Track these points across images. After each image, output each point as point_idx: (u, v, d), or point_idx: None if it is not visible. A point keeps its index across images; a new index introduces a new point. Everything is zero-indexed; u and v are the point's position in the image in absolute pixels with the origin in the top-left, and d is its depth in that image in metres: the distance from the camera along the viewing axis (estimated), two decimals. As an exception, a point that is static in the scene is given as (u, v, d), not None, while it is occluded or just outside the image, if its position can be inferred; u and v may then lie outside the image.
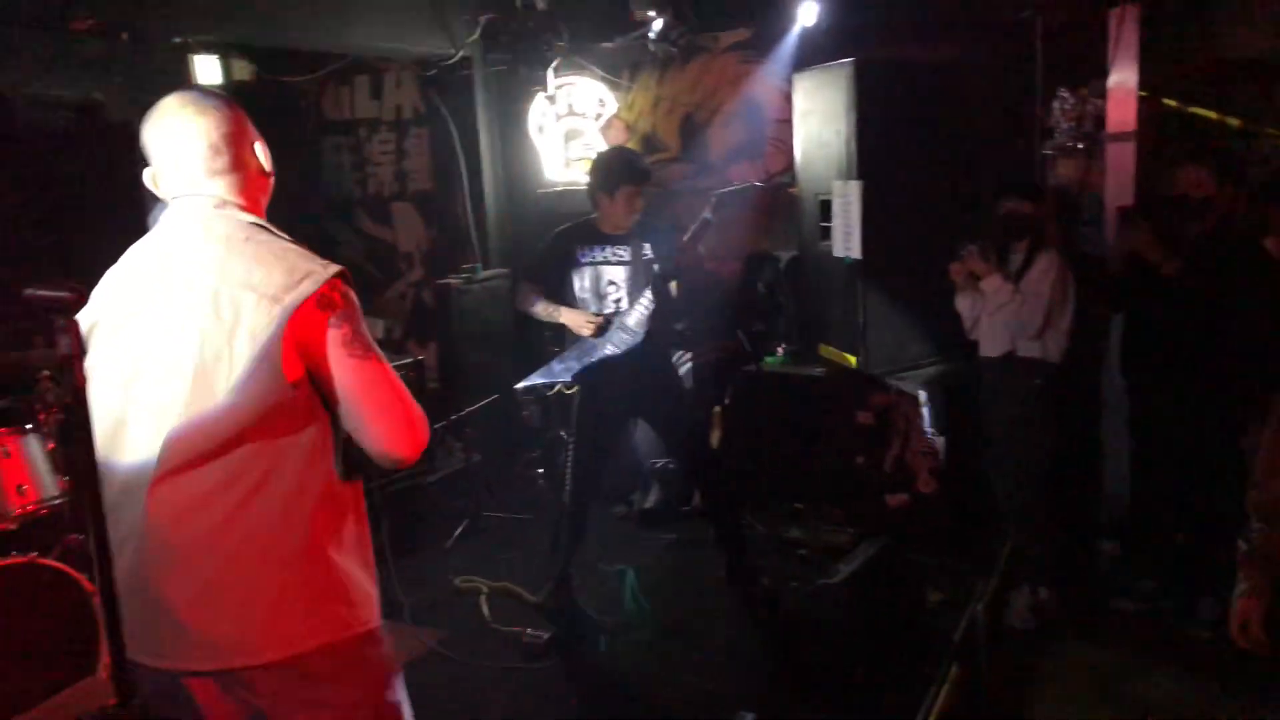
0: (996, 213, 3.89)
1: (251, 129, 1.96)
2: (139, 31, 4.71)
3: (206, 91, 1.99)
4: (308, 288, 1.75)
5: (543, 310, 3.96)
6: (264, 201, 1.98)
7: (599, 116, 5.92)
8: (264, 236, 1.85)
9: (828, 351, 4.76)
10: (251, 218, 1.89)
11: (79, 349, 1.29)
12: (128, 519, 1.76)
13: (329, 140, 6.81)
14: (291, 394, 1.76)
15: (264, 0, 4.85)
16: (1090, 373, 4.27)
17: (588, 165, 6.02)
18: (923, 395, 4.49)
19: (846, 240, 4.37)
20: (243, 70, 6.44)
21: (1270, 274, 3.55)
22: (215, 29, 5.04)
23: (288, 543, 1.79)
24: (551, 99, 5.97)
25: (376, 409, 1.82)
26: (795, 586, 4.29)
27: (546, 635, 3.94)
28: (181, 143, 1.87)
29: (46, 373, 3.84)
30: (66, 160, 4.98)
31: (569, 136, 6.02)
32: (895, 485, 4.60)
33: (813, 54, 4.96)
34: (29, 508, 3.48)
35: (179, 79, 5.79)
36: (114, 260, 1.92)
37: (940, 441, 4.45)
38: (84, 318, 1.82)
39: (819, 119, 4.57)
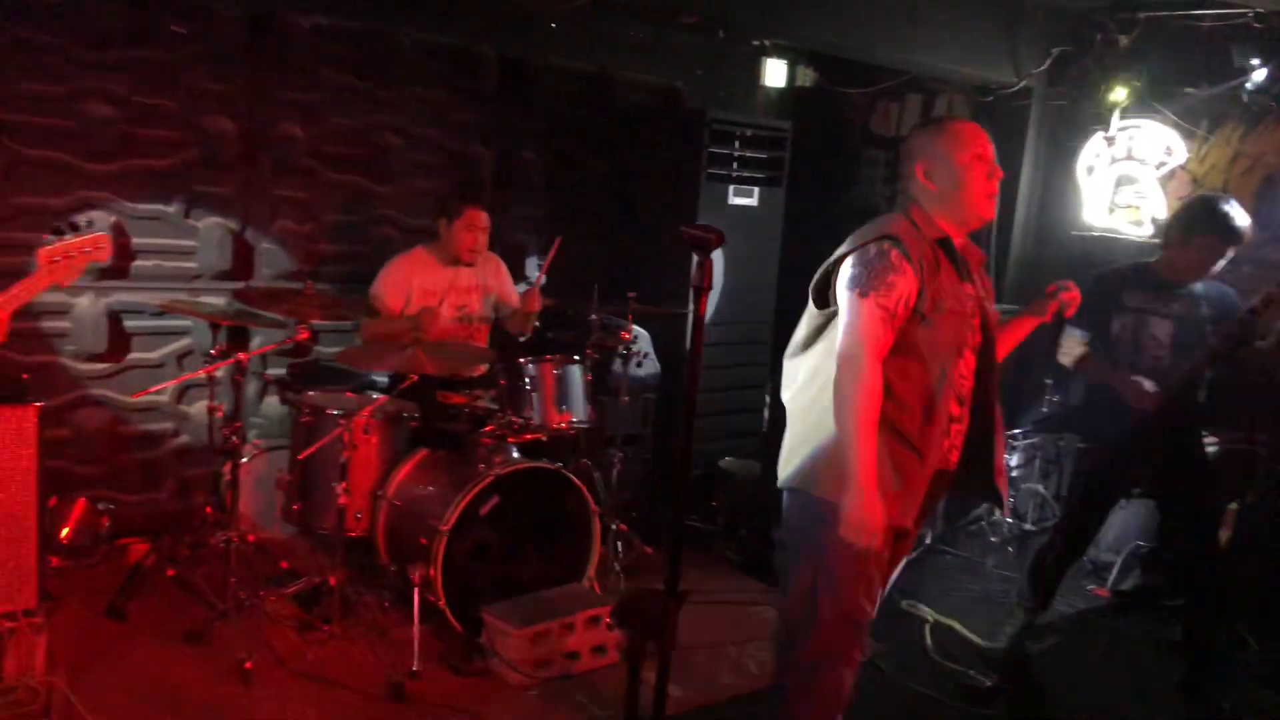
0: None
1: (927, 155, 2.64)
2: (732, 31, 5.17)
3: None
4: (850, 246, 2.55)
5: (1092, 369, 3.72)
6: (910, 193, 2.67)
7: (1161, 165, 5.46)
8: (896, 216, 2.60)
9: (1400, 473, 4.01)
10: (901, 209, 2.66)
11: (709, 282, 1.52)
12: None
13: (868, 153, 6.99)
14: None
15: (845, 13, 5.07)
16: None
17: (1135, 215, 5.65)
18: None
19: None
20: (805, 77, 6.81)
21: None
22: (794, 35, 5.37)
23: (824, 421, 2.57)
24: (1110, 140, 5.61)
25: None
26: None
27: (990, 683, 3.79)
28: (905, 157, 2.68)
29: (595, 317, 4.40)
30: (643, 137, 5.61)
31: (1120, 182, 5.64)
32: None
33: None
34: (562, 425, 4.01)
35: (748, 77, 6.27)
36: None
37: None
38: None
39: None
